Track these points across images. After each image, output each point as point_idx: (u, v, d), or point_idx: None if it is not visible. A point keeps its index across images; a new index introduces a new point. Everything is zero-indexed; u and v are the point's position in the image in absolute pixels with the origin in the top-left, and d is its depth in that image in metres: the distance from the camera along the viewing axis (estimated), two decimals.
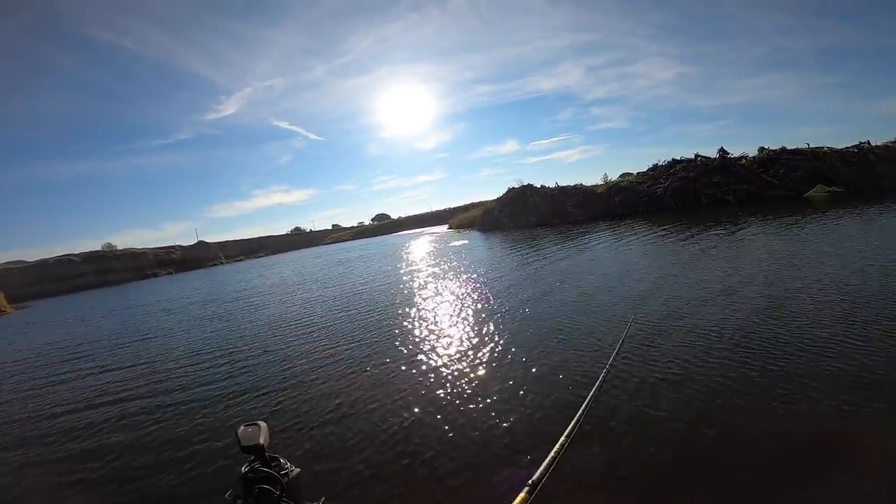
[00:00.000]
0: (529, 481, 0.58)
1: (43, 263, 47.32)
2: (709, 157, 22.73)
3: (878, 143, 21.23)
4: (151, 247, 56.12)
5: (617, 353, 1.27)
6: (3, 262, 47.22)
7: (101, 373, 8.04)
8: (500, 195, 29.27)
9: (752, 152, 23.56)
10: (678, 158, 23.67)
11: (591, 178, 34.00)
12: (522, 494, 0.55)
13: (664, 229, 13.68)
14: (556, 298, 7.48)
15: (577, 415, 0.76)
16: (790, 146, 22.34)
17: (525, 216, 24.41)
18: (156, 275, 46.99)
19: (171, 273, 47.84)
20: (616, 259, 10.32)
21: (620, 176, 32.25)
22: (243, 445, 0.98)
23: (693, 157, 23.28)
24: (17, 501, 3.93)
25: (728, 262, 8.25)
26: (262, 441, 0.98)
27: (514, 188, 28.14)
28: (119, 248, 54.20)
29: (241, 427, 1.01)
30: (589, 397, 0.84)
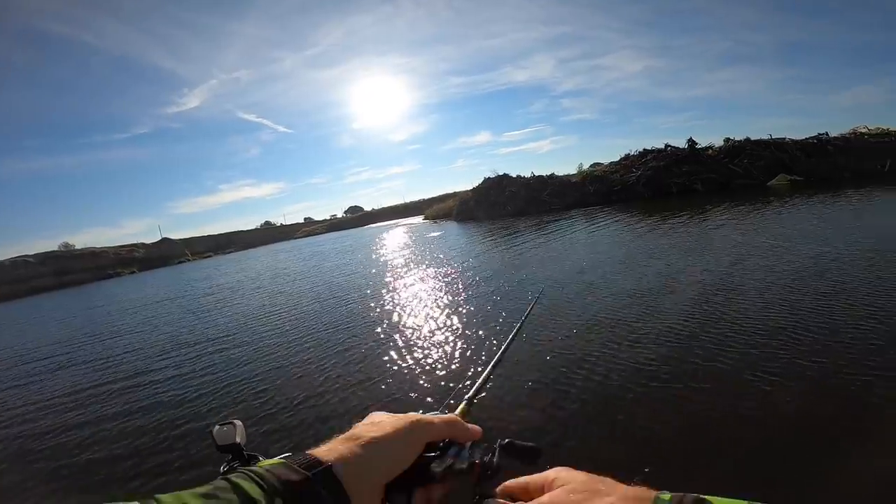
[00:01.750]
0: (466, 396, 0.70)
1: None
2: (678, 147, 23.37)
3: (836, 135, 22.30)
4: (112, 245, 53.79)
5: (531, 309, 1.48)
6: None
7: (59, 377, 7.75)
8: (476, 185, 29.34)
9: (719, 143, 24.45)
10: (649, 148, 24.22)
11: (564, 168, 34.53)
12: (463, 405, 0.66)
13: (636, 217, 14.02)
14: (523, 279, 7.59)
15: (504, 346, 0.97)
16: (754, 137, 23.26)
17: (501, 206, 24.54)
18: (118, 274, 45.15)
19: (135, 272, 45.99)
20: (589, 245, 10.50)
21: (591, 166, 32.89)
22: (219, 445, 0.92)
23: (663, 146, 23.90)
24: None
25: (694, 244, 8.55)
26: (238, 440, 0.92)
27: (490, 178, 28.24)
28: (77, 247, 51.80)
29: (216, 427, 0.95)
30: (511, 336, 1.02)
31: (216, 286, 16.98)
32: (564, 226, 14.87)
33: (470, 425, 0.52)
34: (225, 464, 0.93)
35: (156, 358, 7.24)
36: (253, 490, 0.34)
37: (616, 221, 13.85)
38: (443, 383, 4.19)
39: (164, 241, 57.60)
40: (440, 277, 9.74)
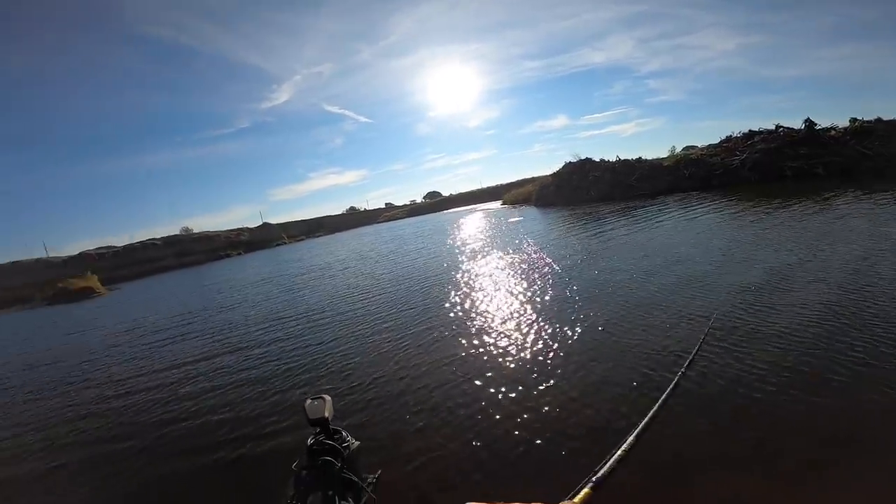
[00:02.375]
0: (594, 478, 0.55)
1: (130, 248, 51.32)
2: (792, 129, 20.79)
3: None
4: (223, 229, 59.59)
5: (698, 350, 1.17)
6: (94, 247, 51.72)
7: (182, 343, 8.80)
8: (557, 170, 28.44)
9: (833, 123, 21.36)
10: (756, 130, 21.84)
11: (649, 152, 32.19)
12: (587, 489, 0.52)
13: (745, 203, 12.77)
14: (625, 277, 7.13)
15: (651, 412, 0.71)
16: (886, 117, 20.01)
17: (584, 191, 23.60)
18: (228, 255, 49.69)
19: (241, 253, 50.47)
20: (692, 236, 9.71)
21: (684, 149, 30.34)
22: (310, 418, 1.02)
23: (774, 127, 21.40)
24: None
25: (820, 239, 7.59)
26: (326, 414, 1.02)
27: (571, 162, 27.20)
28: (194, 231, 57.91)
29: (308, 401, 1.06)
30: (664, 395, 0.77)
31: (308, 267, 18.31)
32: (682, 212, 13.96)
33: None
34: (312, 436, 1.04)
35: (255, 331, 8.12)
36: None
37: (728, 208, 12.71)
38: (562, 441, 3.05)
39: (265, 225, 62.81)
40: (522, 270, 9.59)
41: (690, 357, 2.58)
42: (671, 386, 0.82)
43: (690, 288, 5.69)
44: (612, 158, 25.13)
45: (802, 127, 20.48)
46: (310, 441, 1.02)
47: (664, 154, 26.25)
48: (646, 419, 0.69)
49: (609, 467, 0.56)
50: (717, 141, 23.00)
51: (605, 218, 15.06)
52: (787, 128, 20.88)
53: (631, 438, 0.64)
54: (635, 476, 2.32)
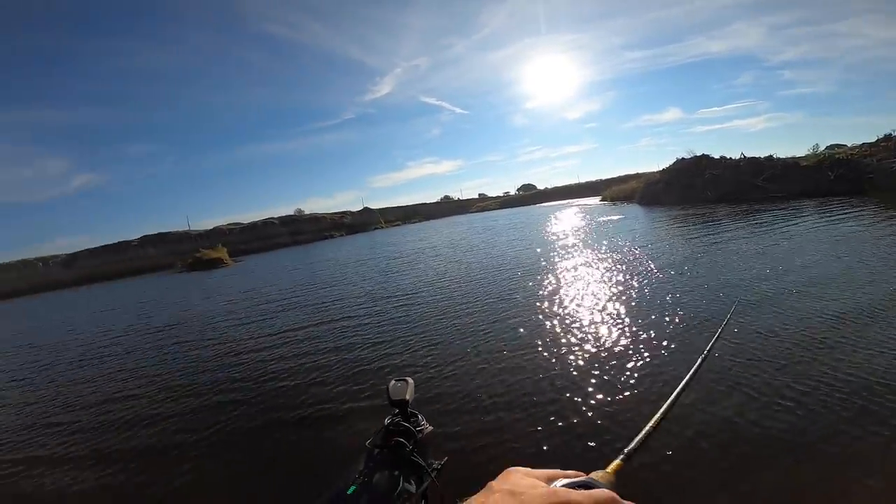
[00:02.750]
0: (625, 450, 0.58)
1: (253, 225, 57.89)
2: None
3: None
4: (329, 212, 64.54)
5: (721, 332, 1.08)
6: (226, 223, 58.99)
7: (288, 313, 9.69)
8: (667, 166, 26.27)
9: None
10: None
11: (783, 150, 28.40)
12: (618, 461, 0.55)
13: None
14: (732, 292, 6.34)
15: (675, 392, 0.75)
16: None
17: (698, 190, 21.44)
18: (332, 236, 54.19)
19: (343, 235, 54.73)
20: (828, 251, 8.32)
21: (827, 148, 26.29)
22: (392, 399, 1.04)
23: None
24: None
25: None
26: (407, 397, 1.04)
27: (684, 158, 24.90)
28: (306, 213, 63.63)
29: (392, 381, 1.08)
30: (692, 370, 0.81)
31: (403, 252, 19.09)
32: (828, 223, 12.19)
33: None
34: (390, 416, 1.06)
35: (351, 307, 8.72)
36: None
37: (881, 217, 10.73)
38: (598, 420, 3.32)
39: (366, 210, 66.84)
40: (618, 271, 9.02)
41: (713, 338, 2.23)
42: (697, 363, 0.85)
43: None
44: (735, 155, 22.54)
45: None
46: (387, 421, 1.05)
47: (802, 153, 22.94)
48: (667, 402, 0.73)
49: (637, 441, 0.61)
50: (872, 139, 19.46)
51: (720, 221, 13.54)
52: None
53: (657, 416, 0.69)
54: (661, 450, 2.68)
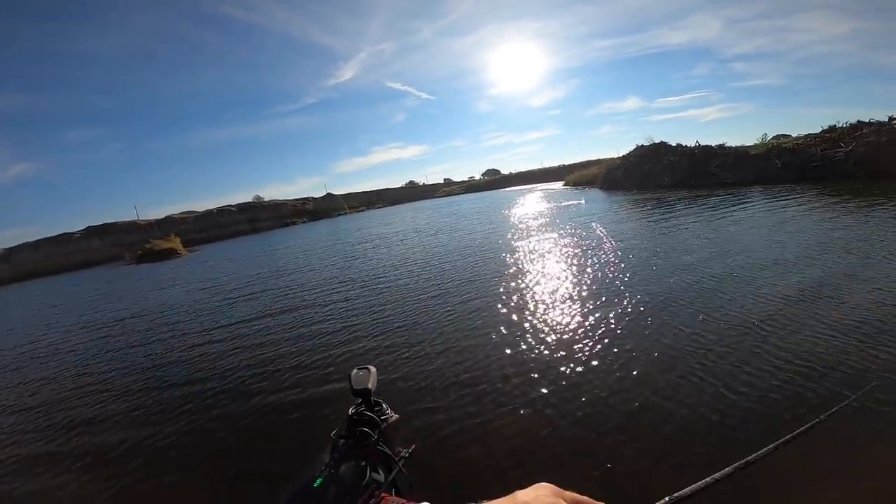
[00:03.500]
0: (670, 496, 0.51)
1: (208, 213, 54.99)
2: None
3: None
4: (290, 198, 62.32)
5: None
6: (178, 212, 55.82)
7: (245, 303, 9.29)
8: (627, 152, 26.90)
9: None
10: (865, 121, 19.23)
11: (734, 140, 29.63)
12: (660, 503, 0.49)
13: (843, 199, 11.31)
14: (700, 278, 6.47)
15: (759, 452, 0.61)
16: None
17: (656, 176, 22.11)
18: (294, 223, 52.21)
19: (306, 221, 52.89)
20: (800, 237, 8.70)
21: (774, 137, 27.60)
22: (354, 388, 1.03)
23: (887, 119, 18.73)
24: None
25: None
26: (370, 385, 1.03)
27: (643, 145, 25.58)
28: (265, 199, 61.04)
29: (354, 370, 1.07)
30: (779, 442, 0.64)
31: (367, 237, 18.79)
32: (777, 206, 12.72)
33: None
34: (353, 406, 1.04)
35: (314, 294, 8.48)
36: None
37: (821, 204, 11.34)
38: (562, 404, 3.12)
39: (328, 196, 65.01)
40: (577, 253, 9.14)
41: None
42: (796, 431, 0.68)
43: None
44: (691, 143, 23.31)
45: None
46: (351, 410, 1.02)
47: (751, 142, 23.92)
48: (752, 456, 0.60)
49: (692, 489, 0.52)
50: (811, 131, 20.56)
51: (673, 205, 13.99)
52: None
53: (728, 469, 0.57)
54: None
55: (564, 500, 0.46)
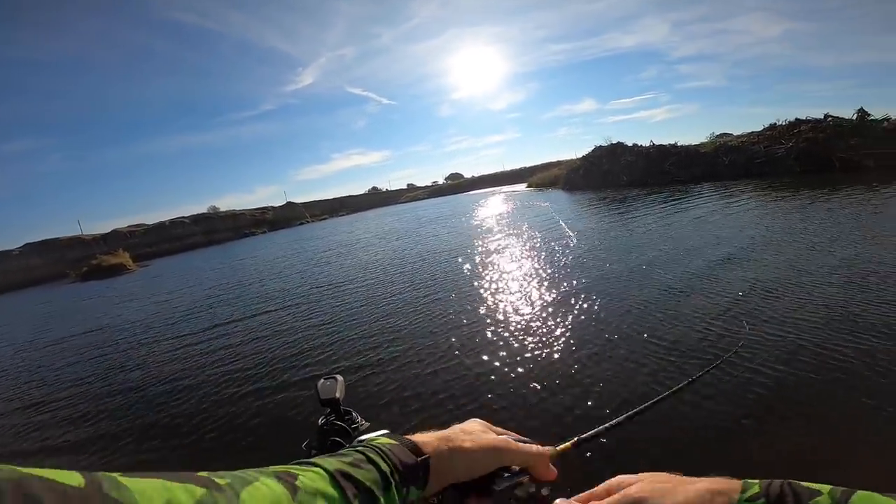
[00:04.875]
0: (578, 437, 0.60)
1: (160, 226, 52.29)
2: (843, 118, 19.63)
3: None
4: (248, 208, 60.26)
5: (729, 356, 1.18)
6: (126, 225, 52.86)
7: (195, 320, 8.88)
8: (587, 153, 27.73)
9: (887, 114, 19.98)
10: (802, 118, 20.70)
11: (681, 139, 31.04)
12: (567, 444, 0.58)
13: (789, 193, 12.12)
14: (657, 267, 6.79)
15: (654, 400, 0.70)
16: None
17: (615, 175, 22.92)
18: (253, 233, 50.47)
19: (265, 231, 51.19)
20: (736, 225, 9.24)
21: (718, 136, 29.17)
22: (321, 398, 1.00)
23: (822, 116, 20.24)
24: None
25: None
26: (338, 395, 1.01)
27: (602, 146, 26.47)
28: (221, 210, 58.66)
29: (321, 380, 1.03)
30: (670, 392, 0.75)
31: (330, 245, 18.50)
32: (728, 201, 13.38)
33: (552, 467, 0.54)
34: (322, 416, 1.00)
35: (275, 305, 8.29)
36: (383, 465, 0.43)
37: (766, 197, 12.08)
38: (561, 401, 3.28)
39: (289, 204, 63.30)
40: (540, 252, 9.34)
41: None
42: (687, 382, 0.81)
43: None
44: (645, 143, 24.33)
45: (854, 116, 19.33)
46: (320, 421, 1.00)
47: (697, 141, 25.22)
48: (646, 404, 0.69)
49: (595, 432, 0.61)
50: (753, 129, 21.95)
51: (631, 203, 14.57)
52: (837, 117, 19.73)
53: (628, 414, 0.67)
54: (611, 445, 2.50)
55: (493, 432, 0.55)
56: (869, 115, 19.58)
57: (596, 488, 0.50)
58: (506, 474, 0.52)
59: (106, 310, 11.46)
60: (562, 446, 0.60)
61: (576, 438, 0.62)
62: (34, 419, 4.65)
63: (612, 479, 0.50)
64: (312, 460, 0.41)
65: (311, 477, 0.38)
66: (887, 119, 19.68)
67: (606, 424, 0.66)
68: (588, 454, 2.43)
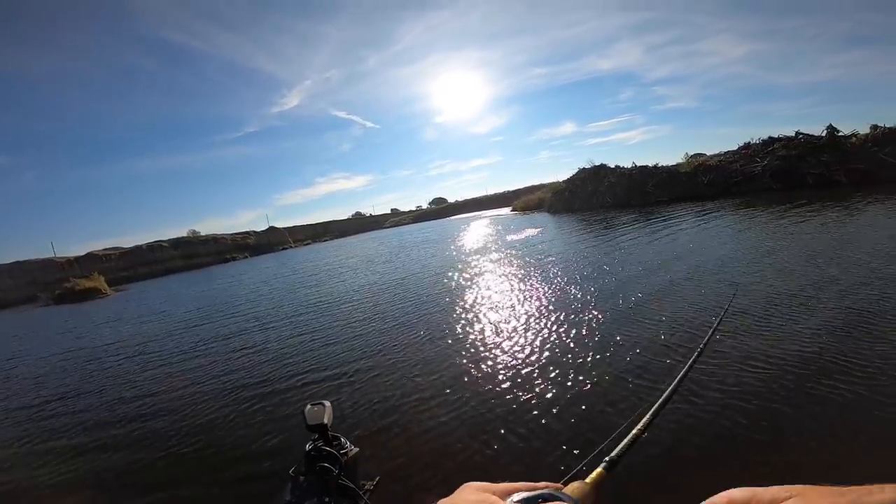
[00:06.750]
0: (607, 458, 0.52)
1: (137, 249, 51.17)
2: (812, 135, 20.52)
3: None
4: (229, 233, 59.37)
5: (712, 334, 1.23)
6: (102, 248, 51.63)
7: (178, 349, 8.58)
8: (571, 175, 28.25)
9: (854, 130, 21.03)
10: (775, 136, 21.58)
11: (659, 159, 31.88)
12: (600, 469, 0.50)
13: (769, 210, 12.47)
14: (644, 280, 6.91)
15: (665, 394, 0.69)
16: (890, 125, 19.65)
17: (599, 196, 23.35)
18: (234, 258, 49.59)
19: (247, 257, 50.32)
20: (721, 242, 9.44)
21: (692, 156, 30.02)
22: (309, 424, 1.02)
23: (794, 134, 21.12)
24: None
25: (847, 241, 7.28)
26: (325, 420, 1.03)
27: (585, 168, 27.01)
28: (202, 234, 57.65)
29: (308, 406, 1.07)
30: (676, 380, 0.74)
31: (314, 271, 18.15)
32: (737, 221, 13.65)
33: None
34: (310, 442, 1.02)
35: (258, 332, 7.94)
36: None
37: (749, 217, 12.39)
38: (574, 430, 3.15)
39: (271, 229, 62.61)
40: (531, 276, 9.35)
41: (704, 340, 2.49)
42: (683, 371, 0.79)
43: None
44: (627, 164, 24.94)
45: (824, 133, 20.19)
46: (308, 447, 1.02)
47: (674, 161, 25.93)
48: (657, 403, 0.66)
49: (622, 447, 0.55)
50: (724, 149, 22.80)
51: (616, 225, 14.80)
52: (808, 134, 20.59)
53: (645, 419, 0.62)
54: (648, 457, 2.51)
55: (493, 493, 0.43)
56: (838, 131, 20.51)
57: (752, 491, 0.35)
58: None
59: (80, 334, 10.92)
60: (591, 477, 0.49)
61: (605, 461, 0.52)
62: None
63: (779, 488, 0.34)
64: None
65: None
66: (855, 135, 20.64)
67: (630, 435, 0.58)
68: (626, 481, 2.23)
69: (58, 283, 31.72)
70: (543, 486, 0.44)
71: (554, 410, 3.35)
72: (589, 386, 3.64)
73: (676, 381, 0.75)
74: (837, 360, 3.38)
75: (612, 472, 0.51)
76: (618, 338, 4.58)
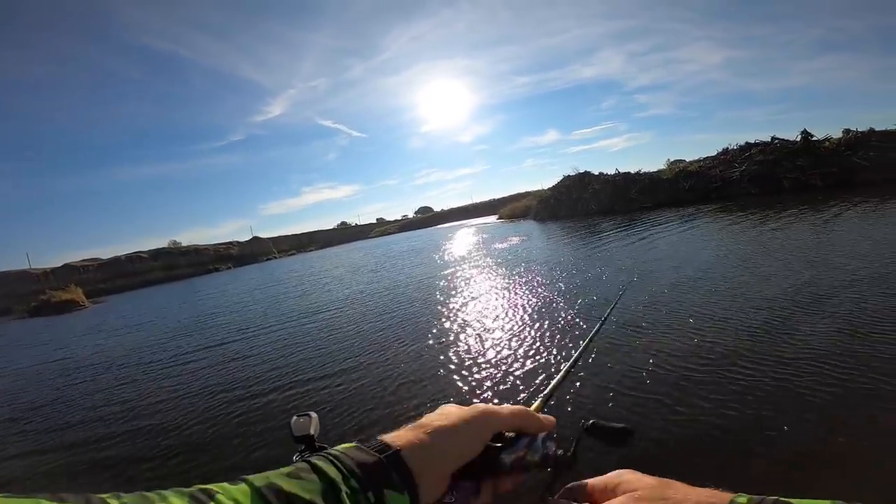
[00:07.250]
0: (543, 393, 0.65)
1: (116, 260, 50.22)
2: (788, 140, 21.05)
3: None
4: (212, 243, 58.43)
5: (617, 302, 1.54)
6: (79, 259, 50.43)
7: (159, 361, 8.35)
8: (556, 183, 28.50)
9: (827, 135, 21.64)
10: (752, 142, 22.08)
11: (641, 166, 32.34)
12: (538, 402, 0.61)
13: (747, 215, 12.69)
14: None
15: (585, 342, 0.86)
16: (862, 129, 20.29)
17: (584, 203, 23.55)
18: (217, 269, 48.92)
19: (230, 268, 49.65)
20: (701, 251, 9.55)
21: (672, 162, 30.63)
22: (295, 436, 0.92)
23: (770, 139, 21.64)
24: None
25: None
26: (312, 432, 0.94)
27: (570, 176, 27.28)
28: (183, 244, 56.58)
29: (294, 418, 0.96)
30: (592, 333, 0.91)
31: (297, 282, 17.88)
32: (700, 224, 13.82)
33: (542, 415, 0.52)
34: (297, 454, 0.88)
35: (241, 340, 7.72)
36: (331, 471, 0.37)
37: (728, 220, 12.59)
38: (518, 381, 4.02)
39: (255, 239, 61.83)
40: (519, 281, 9.33)
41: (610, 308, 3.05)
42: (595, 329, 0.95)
43: None
44: (610, 171, 25.24)
45: (798, 138, 20.70)
46: (295, 458, 0.89)
47: (656, 167, 26.36)
48: (580, 348, 0.83)
49: (553, 385, 0.67)
50: (703, 155, 23.26)
51: (602, 231, 14.91)
52: (783, 139, 21.11)
53: (569, 363, 0.76)
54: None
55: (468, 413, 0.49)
56: (812, 136, 21.07)
57: (594, 480, 0.47)
58: (504, 444, 0.47)
59: (57, 346, 10.52)
60: (533, 406, 0.58)
61: (541, 396, 0.63)
62: None
63: (612, 474, 0.46)
64: (244, 476, 0.35)
65: (231, 495, 0.32)
66: (828, 140, 21.23)
67: (562, 371, 0.73)
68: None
69: (33, 295, 30.87)
70: (520, 410, 0.51)
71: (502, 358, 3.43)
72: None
73: (588, 337, 0.88)
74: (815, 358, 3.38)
75: (547, 403, 0.62)
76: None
